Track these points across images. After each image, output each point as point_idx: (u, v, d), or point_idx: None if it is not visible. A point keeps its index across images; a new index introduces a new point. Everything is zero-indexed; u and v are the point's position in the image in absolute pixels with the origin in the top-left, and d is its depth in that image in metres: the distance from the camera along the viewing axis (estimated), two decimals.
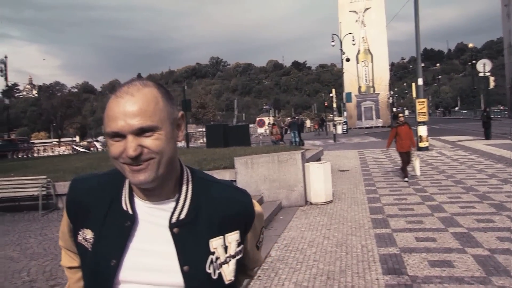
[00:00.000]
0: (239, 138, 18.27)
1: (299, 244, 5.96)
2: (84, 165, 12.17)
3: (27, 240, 6.75)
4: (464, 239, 5.66)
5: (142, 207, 1.07)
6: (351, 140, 30.96)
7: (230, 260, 1.08)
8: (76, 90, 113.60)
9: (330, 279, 4.57)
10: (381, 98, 57.92)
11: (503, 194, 8.28)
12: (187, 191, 1.09)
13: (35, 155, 33.69)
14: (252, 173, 8.61)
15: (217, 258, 1.06)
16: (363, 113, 58.20)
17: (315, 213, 7.82)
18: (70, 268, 1.22)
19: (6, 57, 36.89)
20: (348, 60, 44.01)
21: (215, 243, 1.06)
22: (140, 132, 0.97)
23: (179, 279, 1.02)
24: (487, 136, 21.11)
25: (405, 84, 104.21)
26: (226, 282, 1.08)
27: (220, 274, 1.06)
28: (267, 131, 35.43)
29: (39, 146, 42.87)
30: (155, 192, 1.05)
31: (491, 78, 27.93)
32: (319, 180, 8.57)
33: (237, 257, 1.10)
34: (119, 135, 0.97)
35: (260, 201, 8.21)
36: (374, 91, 59.03)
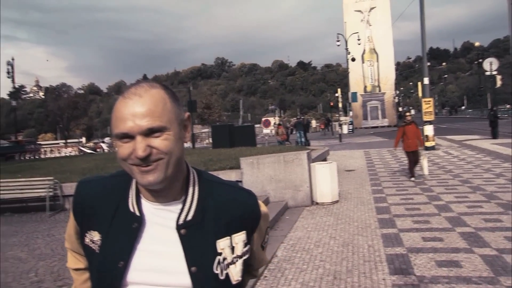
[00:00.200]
0: (244, 138, 18.29)
1: (306, 244, 5.96)
2: (91, 166, 12.22)
3: (34, 241, 6.80)
4: (472, 239, 5.63)
5: (149, 208, 1.08)
6: (357, 140, 30.88)
7: (237, 261, 1.09)
8: (82, 91, 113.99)
9: (337, 279, 4.57)
10: (387, 98, 57.72)
11: (511, 194, 8.23)
12: (193, 193, 1.09)
13: (42, 156, 33.85)
14: (258, 174, 8.61)
15: (224, 259, 1.07)
16: (369, 113, 58.00)
17: (321, 213, 7.81)
18: (76, 269, 1.23)
19: (13, 59, 37.19)
20: (353, 59, 43.89)
21: (222, 244, 1.07)
22: (149, 132, 0.97)
23: (186, 280, 1.03)
24: (494, 135, 20.98)
25: (411, 83, 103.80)
26: (234, 283, 1.08)
27: (227, 274, 1.07)
28: (273, 131, 35.41)
29: (46, 147, 43.04)
30: (162, 193, 1.06)
31: (498, 77, 27.71)
32: (325, 180, 8.56)
33: (244, 258, 1.10)
34: (128, 136, 0.98)
35: (266, 202, 8.21)
36: (379, 90, 58.81)
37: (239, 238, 1.10)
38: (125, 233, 1.06)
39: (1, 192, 8.88)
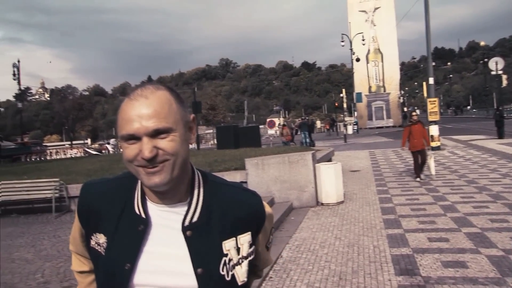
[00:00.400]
0: (249, 139, 18.29)
1: (311, 245, 5.95)
2: (96, 167, 12.27)
3: (41, 242, 6.84)
4: (478, 239, 5.60)
5: (155, 210, 1.08)
6: (361, 140, 30.82)
7: (242, 261, 1.09)
8: (87, 93, 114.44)
9: (342, 280, 4.56)
10: (391, 98, 57.52)
11: None
12: (199, 194, 1.10)
13: (48, 158, 33.99)
14: (263, 174, 8.61)
15: (230, 260, 1.07)
16: (374, 113, 57.81)
17: (326, 214, 7.80)
18: (81, 272, 1.23)
19: (19, 61, 37.36)
20: (358, 60, 43.76)
21: (228, 245, 1.07)
22: (155, 134, 0.97)
23: (193, 282, 1.03)
24: (500, 135, 20.88)
25: (416, 83, 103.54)
26: (239, 283, 1.08)
27: (233, 275, 1.07)
28: (278, 132, 35.40)
29: (52, 149, 43.23)
30: (168, 195, 1.06)
31: (504, 76, 27.54)
32: (330, 180, 8.55)
33: (249, 258, 1.11)
34: (134, 138, 0.98)
35: (271, 202, 8.20)
36: (384, 90, 58.63)
37: (245, 239, 1.10)
38: (131, 235, 1.06)
39: (8, 193, 8.94)
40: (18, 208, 9.15)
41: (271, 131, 30.30)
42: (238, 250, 1.08)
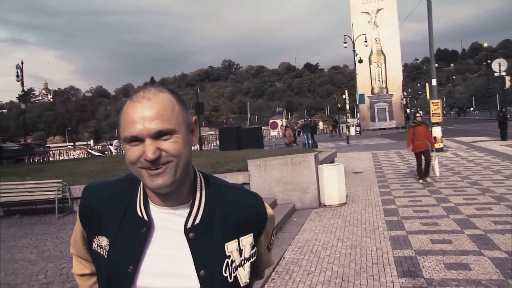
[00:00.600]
0: (252, 140, 18.28)
1: (313, 246, 5.94)
2: (99, 168, 12.28)
3: (44, 243, 6.85)
4: (481, 241, 5.58)
5: (157, 213, 1.08)
6: (364, 141, 30.78)
7: (245, 263, 1.09)
8: (90, 94, 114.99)
9: (345, 281, 4.55)
10: (394, 99, 57.43)
11: None
12: (201, 196, 1.10)
13: (51, 159, 34.06)
14: (265, 176, 8.61)
15: (233, 262, 1.07)
16: (377, 115, 57.73)
17: (329, 215, 7.79)
18: (82, 275, 1.24)
19: (22, 62, 37.45)
20: (360, 61, 43.76)
21: (231, 247, 1.07)
22: (158, 135, 0.98)
23: (196, 284, 1.03)
24: (503, 137, 20.82)
25: (418, 85, 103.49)
26: (242, 285, 1.09)
27: (235, 277, 1.07)
28: (280, 134, 35.40)
29: (55, 150, 43.28)
30: (170, 197, 1.06)
31: (507, 78, 27.52)
32: (332, 182, 8.54)
33: (251, 260, 1.11)
34: (137, 139, 0.98)
35: (274, 204, 8.20)
36: (387, 92, 58.53)
37: (247, 240, 1.10)
38: (134, 237, 1.06)
39: (11, 194, 8.96)
40: (21, 209, 9.17)
41: (273, 133, 30.30)
42: (240, 251, 1.09)
